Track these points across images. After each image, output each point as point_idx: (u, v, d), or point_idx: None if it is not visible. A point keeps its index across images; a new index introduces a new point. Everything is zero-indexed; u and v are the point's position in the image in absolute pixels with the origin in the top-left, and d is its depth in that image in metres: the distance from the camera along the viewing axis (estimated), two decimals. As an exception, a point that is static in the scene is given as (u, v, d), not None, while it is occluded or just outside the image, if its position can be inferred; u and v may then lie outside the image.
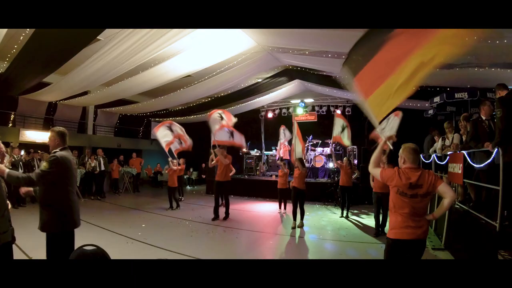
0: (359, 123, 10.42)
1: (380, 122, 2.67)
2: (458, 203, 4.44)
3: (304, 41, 5.97)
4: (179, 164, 8.13)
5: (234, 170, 8.91)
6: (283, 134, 10.25)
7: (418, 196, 2.23)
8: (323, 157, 10.88)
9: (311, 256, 4.40)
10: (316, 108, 12.26)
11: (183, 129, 7.31)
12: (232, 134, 7.16)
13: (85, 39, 4.85)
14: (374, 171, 2.50)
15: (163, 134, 7.15)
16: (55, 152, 2.44)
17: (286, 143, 11.52)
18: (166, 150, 7.16)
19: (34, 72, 6.50)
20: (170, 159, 7.47)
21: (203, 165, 12.87)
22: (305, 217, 6.05)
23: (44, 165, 2.35)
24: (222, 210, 6.87)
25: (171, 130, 7.19)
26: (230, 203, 8.76)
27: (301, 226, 5.89)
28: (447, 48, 1.87)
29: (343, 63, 2.52)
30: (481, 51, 5.00)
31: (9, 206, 2.33)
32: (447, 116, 7.36)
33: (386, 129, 5.17)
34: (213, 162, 6.80)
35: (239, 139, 7.34)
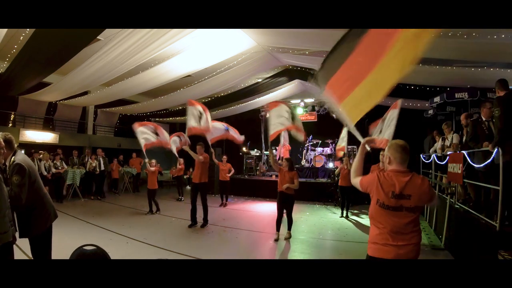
0: (359, 122, 10.40)
1: (369, 125, 2.61)
2: (458, 203, 4.45)
3: (304, 41, 5.97)
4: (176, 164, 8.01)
5: (233, 170, 8.95)
6: (283, 137, 10.21)
7: (403, 209, 1.76)
8: (323, 157, 10.90)
9: (311, 256, 4.41)
10: (316, 108, 12.26)
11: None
12: (226, 129, 7.20)
13: (85, 39, 4.86)
14: (355, 181, 2.01)
15: (144, 134, 6.75)
16: (13, 162, 2.39)
17: (287, 143, 11.53)
18: (144, 150, 6.79)
19: (34, 72, 6.51)
20: (147, 160, 7.23)
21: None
22: (304, 217, 5.96)
23: (15, 178, 2.31)
24: (222, 211, 6.82)
25: (156, 134, 6.85)
26: (230, 203, 8.83)
27: (288, 237, 5.02)
28: (411, 49, 1.83)
29: (315, 73, 2.44)
30: (472, 48, 5.00)
31: None
32: (447, 116, 7.34)
33: (384, 128, 4.52)
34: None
35: (234, 133, 7.41)
